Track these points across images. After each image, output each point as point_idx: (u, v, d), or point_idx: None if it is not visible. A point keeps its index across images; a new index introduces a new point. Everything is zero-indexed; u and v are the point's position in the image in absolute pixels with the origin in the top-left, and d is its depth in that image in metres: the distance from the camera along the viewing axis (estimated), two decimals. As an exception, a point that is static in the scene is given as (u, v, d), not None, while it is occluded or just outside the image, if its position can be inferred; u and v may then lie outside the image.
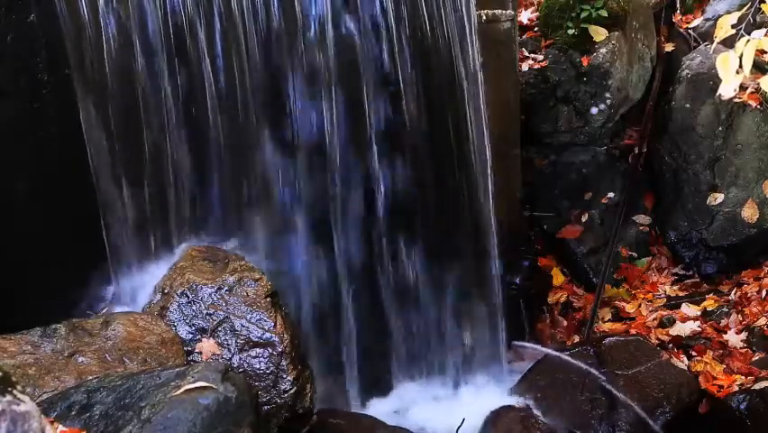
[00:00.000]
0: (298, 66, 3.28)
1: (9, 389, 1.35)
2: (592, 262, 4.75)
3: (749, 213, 4.52)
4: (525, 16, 4.91)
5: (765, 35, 2.36)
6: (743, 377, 3.87)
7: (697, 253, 4.72)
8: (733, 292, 4.48)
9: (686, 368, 3.96)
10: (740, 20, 2.51)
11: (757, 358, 4.02)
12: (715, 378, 3.92)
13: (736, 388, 3.75)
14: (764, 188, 4.51)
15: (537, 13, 4.90)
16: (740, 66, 2.23)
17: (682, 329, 4.28)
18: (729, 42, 2.59)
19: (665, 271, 4.79)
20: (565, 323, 4.56)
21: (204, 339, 2.73)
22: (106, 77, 2.91)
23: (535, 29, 4.88)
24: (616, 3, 4.71)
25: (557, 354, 3.97)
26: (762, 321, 4.17)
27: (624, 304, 4.61)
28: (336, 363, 3.57)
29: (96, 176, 2.96)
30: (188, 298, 2.81)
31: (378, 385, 3.72)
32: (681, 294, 4.63)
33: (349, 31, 3.33)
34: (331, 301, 3.53)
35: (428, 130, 3.61)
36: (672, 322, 4.36)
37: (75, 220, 2.96)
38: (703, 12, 5.16)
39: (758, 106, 4.54)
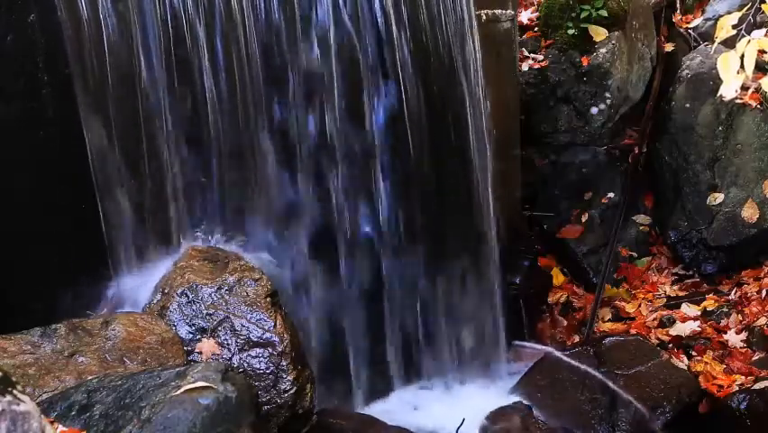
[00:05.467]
0: (298, 66, 3.28)
1: (9, 389, 1.35)
2: (592, 261, 4.76)
3: (749, 213, 4.52)
4: (525, 16, 4.91)
5: (766, 35, 2.36)
6: (743, 377, 3.87)
7: (697, 252, 4.71)
8: (733, 292, 4.48)
9: (686, 368, 3.97)
10: (741, 20, 2.51)
11: (757, 358, 4.02)
12: (715, 378, 3.92)
13: (736, 388, 3.75)
14: (764, 188, 4.51)
15: (537, 13, 4.90)
16: (741, 66, 2.23)
17: (682, 329, 4.29)
18: (729, 42, 2.59)
19: (665, 271, 4.79)
20: (565, 323, 4.56)
21: (204, 339, 2.73)
22: (106, 77, 2.91)
23: (535, 29, 4.88)
24: (616, 3, 4.72)
25: (557, 353, 3.97)
26: (762, 321, 4.17)
27: (624, 304, 4.61)
28: (336, 362, 3.57)
29: (95, 176, 2.95)
30: (188, 297, 2.80)
31: (378, 385, 3.72)
32: (681, 294, 4.63)
33: (349, 30, 3.33)
34: (331, 301, 3.53)
35: (428, 130, 3.61)
36: (672, 322, 4.37)
37: (75, 220, 2.96)
38: (703, 12, 5.17)
39: (758, 106, 4.54)
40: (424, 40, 3.50)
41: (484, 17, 3.96)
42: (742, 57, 2.24)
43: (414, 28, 3.45)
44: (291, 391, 2.69)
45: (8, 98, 2.75)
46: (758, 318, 4.21)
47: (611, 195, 4.88)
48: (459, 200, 3.84)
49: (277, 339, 2.73)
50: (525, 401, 3.67)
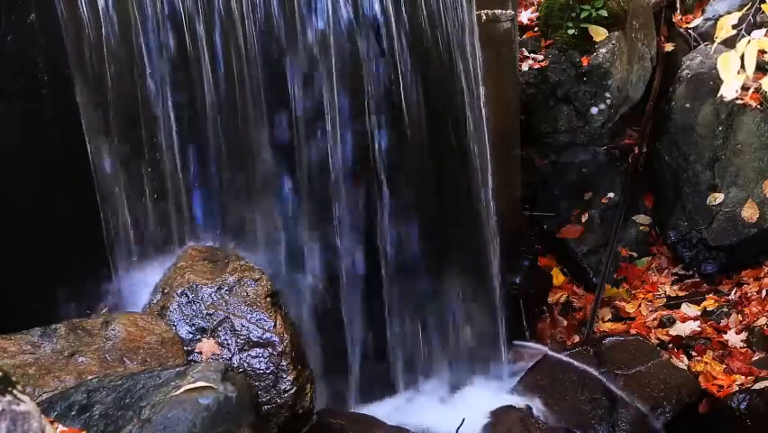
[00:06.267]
0: (298, 65, 3.28)
1: (9, 389, 1.35)
2: (592, 261, 4.76)
3: (749, 213, 4.52)
4: (525, 16, 4.91)
5: (766, 35, 2.35)
6: (743, 377, 3.87)
7: (697, 252, 4.71)
8: (733, 292, 4.48)
9: (686, 368, 3.97)
10: (740, 20, 2.50)
11: (757, 358, 4.02)
12: (715, 378, 3.92)
13: (736, 388, 3.75)
14: (764, 188, 4.51)
15: (537, 13, 4.90)
16: (741, 66, 2.23)
17: (682, 329, 4.29)
18: (729, 42, 2.59)
19: (665, 271, 4.79)
20: (565, 323, 4.56)
21: (204, 339, 2.73)
22: (106, 77, 2.91)
23: (535, 29, 4.89)
24: (616, 3, 4.72)
25: (557, 354, 3.97)
26: (762, 321, 4.17)
27: (624, 304, 4.61)
28: (337, 363, 3.57)
29: (96, 176, 2.95)
30: (188, 297, 2.80)
31: (378, 385, 3.72)
32: (681, 294, 4.63)
33: (349, 30, 3.33)
34: (331, 301, 3.53)
35: (428, 130, 3.61)
36: (672, 322, 4.37)
37: (75, 220, 2.96)
38: (703, 12, 5.17)
39: (758, 106, 4.54)
40: (423, 40, 3.50)
41: (484, 17, 3.96)
42: (742, 57, 2.24)
43: (414, 28, 3.45)
44: (291, 391, 2.69)
45: (8, 98, 2.75)
46: (758, 318, 4.21)
47: (611, 195, 4.88)
48: (459, 200, 3.84)
49: (277, 339, 2.73)
50: (525, 401, 3.68)
